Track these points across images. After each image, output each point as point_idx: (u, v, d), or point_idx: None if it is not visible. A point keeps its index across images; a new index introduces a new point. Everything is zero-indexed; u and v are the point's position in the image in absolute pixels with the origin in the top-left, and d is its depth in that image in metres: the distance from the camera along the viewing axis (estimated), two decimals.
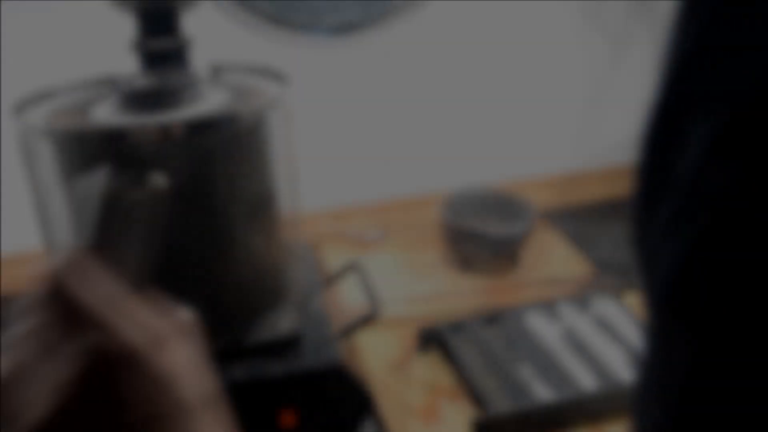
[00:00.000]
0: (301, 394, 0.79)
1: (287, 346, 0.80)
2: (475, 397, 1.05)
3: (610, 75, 1.64)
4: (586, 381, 1.04)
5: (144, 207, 0.46)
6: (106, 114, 0.76)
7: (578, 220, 1.69)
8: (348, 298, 1.27)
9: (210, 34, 1.38)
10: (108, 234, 0.43)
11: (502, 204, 1.54)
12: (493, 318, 1.22)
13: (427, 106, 1.56)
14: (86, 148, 0.67)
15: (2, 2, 1.26)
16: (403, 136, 1.56)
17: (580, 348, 1.12)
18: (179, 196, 0.69)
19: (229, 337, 0.77)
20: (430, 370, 1.15)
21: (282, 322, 0.81)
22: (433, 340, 1.18)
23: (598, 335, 1.15)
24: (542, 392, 1.04)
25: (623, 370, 1.06)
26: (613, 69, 1.64)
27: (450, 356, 1.15)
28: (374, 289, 0.93)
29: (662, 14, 1.58)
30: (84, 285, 0.39)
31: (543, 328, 1.17)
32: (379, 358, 1.18)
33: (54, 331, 0.38)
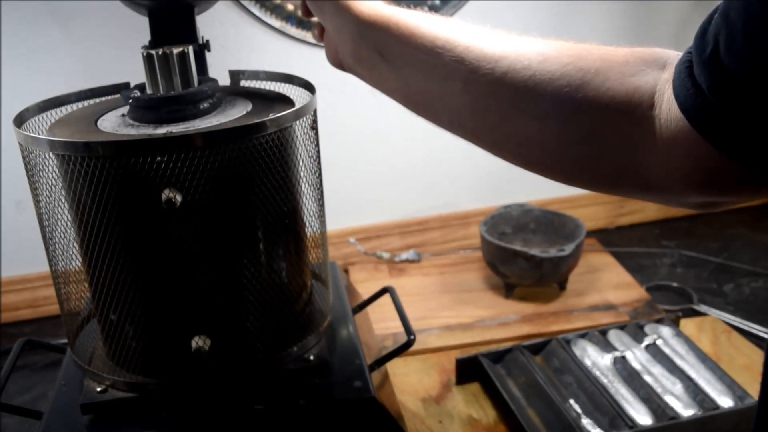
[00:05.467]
0: (329, 426, 0.79)
1: (315, 375, 0.80)
2: None
3: None
4: (640, 417, 1.03)
5: None
6: (115, 125, 0.77)
7: (631, 241, 1.67)
8: (380, 325, 1.27)
9: (230, 40, 1.41)
10: None
11: (548, 223, 1.53)
12: (538, 347, 1.21)
13: None
14: (93, 162, 0.68)
15: (2, 2, 1.28)
16: (441, 148, 1.56)
17: (633, 380, 1.11)
18: (195, 215, 0.70)
19: (253, 364, 0.77)
20: (469, 403, 1.15)
21: (309, 350, 0.81)
22: (473, 371, 1.18)
23: (654, 366, 1.14)
24: (593, 429, 1.03)
25: (682, 405, 1.05)
26: None
27: (491, 389, 1.14)
28: (408, 315, 0.93)
29: None
30: None
31: (593, 359, 1.16)
32: (414, 390, 1.18)
33: None
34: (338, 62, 0.76)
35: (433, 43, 0.64)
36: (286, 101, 0.82)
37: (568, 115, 0.56)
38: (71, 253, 0.77)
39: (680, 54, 0.52)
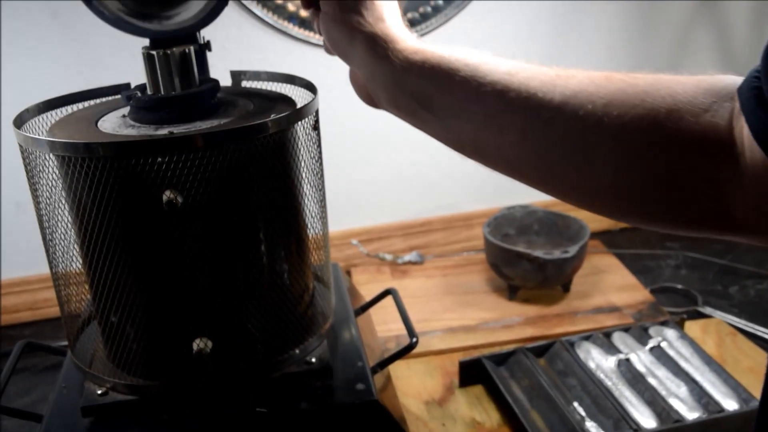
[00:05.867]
0: (331, 429, 0.78)
1: (317, 377, 0.80)
2: None
3: None
4: (645, 420, 1.03)
5: None
6: (116, 126, 0.76)
7: (635, 243, 1.67)
8: (383, 327, 1.27)
9: (232, 40, 1.40)
10: None
11: (551, 224, 1.53)
12: (542, 349, 1.21)
13: None
14: (93, 163, 0.68)
15: (2, 3, 1.28)
16: (444, 149, 1.56)
17: (638, 383, 1.11)
18: (196, 216, 0.70)
19: (255, 367, 0.77)
20: (472, 406, 1.15)
21: (311, 353, 0.81)
22: (476, 373, 1.18)
23: (658, 369, 1.14)
24: None
25: (686, 408, 1.04)
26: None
27: (494, 391, 1.14)
28: (411, 317, 0.93)
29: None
30: None
31: (597, 361, 1.16)
32: (417, 393, 1.18)
33: None
34: (372, 103, 0.72)
35: (478, 90, 0.59)
36: (287, 102, 0.82)
37: (643, 161, 0.53)
38: (72, 254, 0.77)
39: (742, 78, 0.48)
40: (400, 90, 0.65)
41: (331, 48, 0.70)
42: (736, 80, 0.50)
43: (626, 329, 1.24)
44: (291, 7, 1.40)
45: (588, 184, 0.57)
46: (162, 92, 0.76)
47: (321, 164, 0.83)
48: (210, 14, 0.79)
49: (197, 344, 0.73)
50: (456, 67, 0.61)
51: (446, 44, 0.64)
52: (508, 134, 0.58)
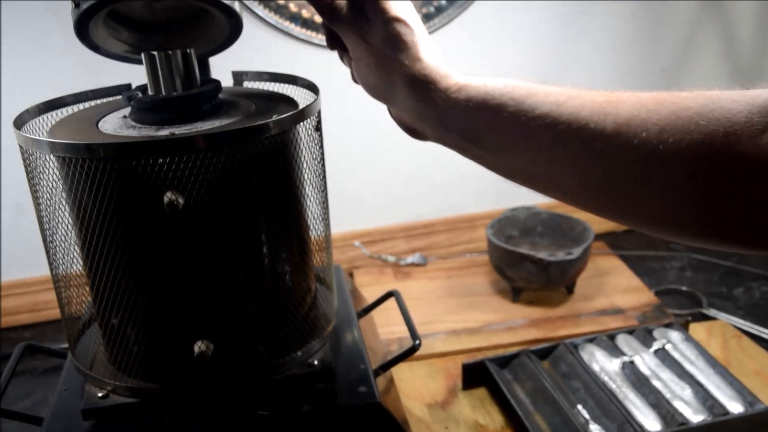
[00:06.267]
0: None
1: (319, 380, 0.80)
2: None
3: (669, 90, 1.63)
4: (649, 423, 1.03)
5: None
6: (117, 127, 0.76)
7: (640, 244, 1.67)
8: (385, 330, 1.27)
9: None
10: None
11: (555, 226, 1.53)
12: (545, 352, 1.21)
13: None
14: (94, 164, 0.68)
15: (2, 2, 1.28)
16: (447, 150, 1.56)
17: (642, 385, 1.11)
18: (197, 217, 0.70)
19: (256, 369, 0.77)
20: (476, 409, 1.14)
21: (313, 355, 0.81)
22: (479, 376, 1.18)
23: (663, 371, 1.14)
24: None
25: (691, 411, 1.04)
26: (670, 90, 1.63)
27: (498, 394, 1.14)
28: (414, 319, 0.93)
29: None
30: None
31: (601, 363, 1.16)
32: (419, 396, 1.18)
33: None
34: (418, 137, 0.71)
35: (527, 126, 0.58)
36: (289, 102, 0.82)
37: (702, 186, 0.52)
38: (72, 256, 0.77)
39: None
40: (446, 129, 0.65)
41: (368, 92, 0.70)
42: None
43: (630, 331, 1.24)
44: (293, 7, 1.40)
45: (647, 212, 0.56)
46: (163, 93, 0.76)
47: (323, 165, 0.83)
48: (221, 46, 0.80)
49: (198, 346, 0.73)
50: (502, 103, 0.60)
51: (489, 75, 0.63)
52: (561, 166, 0.58)
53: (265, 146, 0.71)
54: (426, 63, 0.65)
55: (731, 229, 0.53)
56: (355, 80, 0.71)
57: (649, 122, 0.53)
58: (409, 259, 1.61)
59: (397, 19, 0.64)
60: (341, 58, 0.73)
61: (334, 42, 0.71)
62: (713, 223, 0.53)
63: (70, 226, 0.75)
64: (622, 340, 1.21)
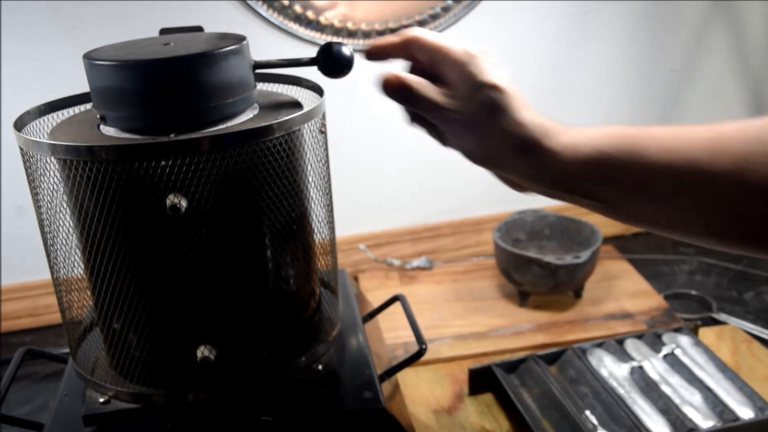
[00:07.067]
0: None
1: (324, 385, 0.80)
2: None
3: (679, 92, 1.63)
4: (658, 428, 1.02)
5: None
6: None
7: (648, 248, 1.67)
8: (391, 334, 1.26)
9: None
10: None
11: (563, 229, 1.53)
12: (553, 357, 1.20)
13: None
14: (96, 166, 0.67)
15: (2, 3, 1.28)
16: (453, 152, 1.56)
17: (651, 391, 1.10)
18: (200, 221, 0.69)
19: (260, 374, 0.77)
20: (482, 415, 1.14)
21: (318, 360, 0.81)
22: (486, 381, 1.17)
23: (672, 376, 1.13)
24: None
25: (701, 417, 1.04)
26: (679, 92, 1.63)
27: (505, 400, 1.14)
28: (420, 324, 0.93)
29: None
30: None
31: (610, 369, 1.16)
32: (425, 401, 1.18)
33: None
34: (525, 191, 0.71)
35: (645, 181, 0.58)
36: (294, 104, 0.82)
37: None
38: (73, 260, 0.77)
39: None
40: (563, 190, 0.64)
41: (466, 157, 0.69)
42: None
43: (639, 336, 1.24)
44: (297, 8, 1.40)
45: None
46: None
47: (328, 168, 0.83)
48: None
49: (201, 351, 0.73)
50: (616, 159, 0.59)
51: (590, 126, 0.62)
52: (682, 213, 0.58)
53: (270, 148, 0.70)
54: (528, 126, 0.63)
55: None
56: (443, 143, 0.71)
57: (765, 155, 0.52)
58: (415, 262, 1.61)
59: (490, 85, 0.64)
60: (429, 133, 0.73)
61: (416, 119, 0.71)
62: None
63: (71, 230, 0.75)
64: (630, 345, 1.21)
